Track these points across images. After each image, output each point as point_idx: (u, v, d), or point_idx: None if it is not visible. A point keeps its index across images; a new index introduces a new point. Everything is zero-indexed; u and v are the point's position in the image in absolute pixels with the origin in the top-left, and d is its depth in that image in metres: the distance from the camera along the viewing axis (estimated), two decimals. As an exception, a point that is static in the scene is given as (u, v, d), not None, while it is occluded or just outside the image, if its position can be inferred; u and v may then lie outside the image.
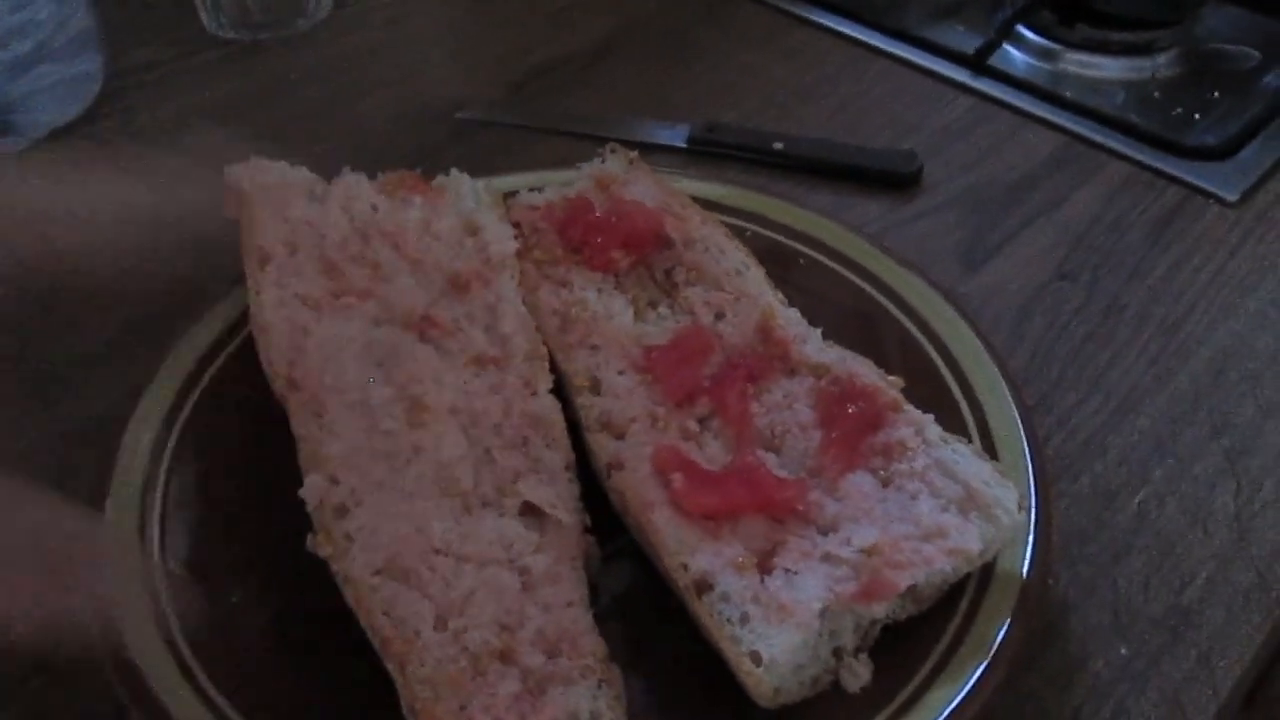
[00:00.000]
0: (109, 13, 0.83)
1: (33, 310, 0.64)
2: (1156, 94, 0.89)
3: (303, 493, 0.45)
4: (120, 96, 0.83)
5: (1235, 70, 0.92)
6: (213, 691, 0.42)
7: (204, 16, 0.90)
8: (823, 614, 0.42)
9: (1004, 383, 0.53)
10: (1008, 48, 0.91)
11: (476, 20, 0.95)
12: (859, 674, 0.43)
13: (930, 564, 0.43)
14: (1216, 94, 0.89)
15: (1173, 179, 0.77)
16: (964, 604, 0.45)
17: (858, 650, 0.43)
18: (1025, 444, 0.50)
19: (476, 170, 0.61)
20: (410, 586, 0.43)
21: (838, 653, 0.43)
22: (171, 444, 0.50)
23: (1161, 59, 0.93)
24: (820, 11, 0.96)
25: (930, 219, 0.72)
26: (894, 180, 0.74)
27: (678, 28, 0.93)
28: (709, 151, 0.76)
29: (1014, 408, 0.51)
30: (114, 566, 0.45)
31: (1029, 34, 0.94)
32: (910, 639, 0.44)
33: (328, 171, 0.59)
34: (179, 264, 0.66)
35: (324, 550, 0.43)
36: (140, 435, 0.50)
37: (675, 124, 0.78)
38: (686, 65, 0.88)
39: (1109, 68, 0.91)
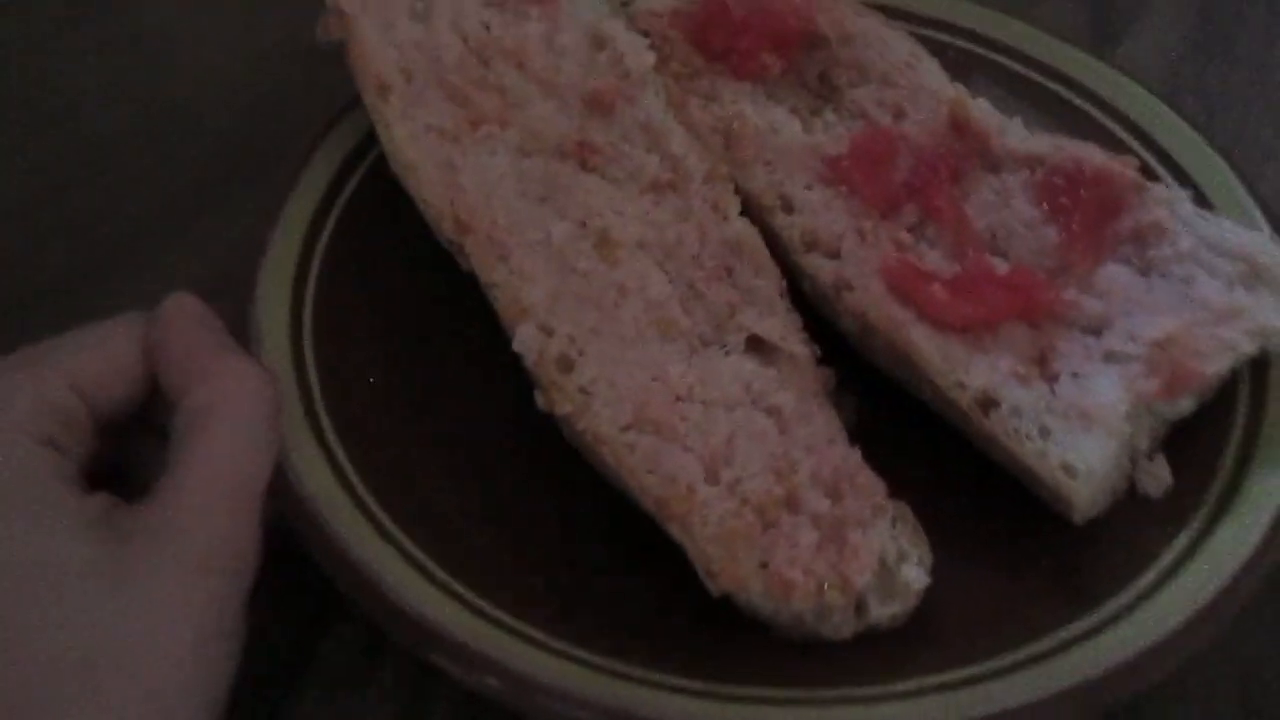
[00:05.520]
0: None
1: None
2: None
3: (517, 346, 0.38)
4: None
5: None
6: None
7: None
8: (1129, 415, 0.38)
9: (1210, 149, 0.49)
10: None
11: None
12: (1160, 476, 0.39)
13: (1235, 348, 0.39)
14: None
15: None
16: (1245, 390, 0.41)
17: (1151, 452, 0.40)
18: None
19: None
20: (666, 439, 0.37)
21: (1133, 457, 0.39)
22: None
23: None
24: None
25: (1053, 3, 0.67)
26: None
27: None
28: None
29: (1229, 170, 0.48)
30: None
31: None
32: (1194, 434, 0.40)
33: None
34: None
35: (562, 408, 0.37)
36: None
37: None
38: None
39: None
